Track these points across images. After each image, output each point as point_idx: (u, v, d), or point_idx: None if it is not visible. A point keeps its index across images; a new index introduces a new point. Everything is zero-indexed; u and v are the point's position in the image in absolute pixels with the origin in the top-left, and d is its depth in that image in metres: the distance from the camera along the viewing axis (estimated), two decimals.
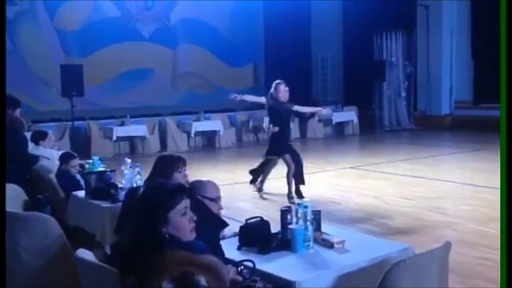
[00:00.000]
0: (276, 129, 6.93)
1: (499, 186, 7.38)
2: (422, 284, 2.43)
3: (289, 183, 7.00)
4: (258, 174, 7.51)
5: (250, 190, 7.71)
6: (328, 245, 2.95)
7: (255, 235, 2.94)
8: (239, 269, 2.34)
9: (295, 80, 17.72)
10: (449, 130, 15.38)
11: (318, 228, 3.13)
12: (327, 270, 2.62)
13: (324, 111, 7.75)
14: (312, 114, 7.29)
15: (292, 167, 6.93)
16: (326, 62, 18.77)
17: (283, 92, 6.94)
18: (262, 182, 7.43)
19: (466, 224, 5.66)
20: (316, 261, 2.76)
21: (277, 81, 7.05)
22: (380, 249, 2.94)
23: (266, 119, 14.98)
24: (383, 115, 16.55)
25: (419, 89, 16.66)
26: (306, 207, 2.98)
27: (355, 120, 15.60)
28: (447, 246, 2.57)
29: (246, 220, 3.08)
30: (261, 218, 3.12)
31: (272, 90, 7.00)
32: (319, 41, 19.04)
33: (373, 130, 16.14)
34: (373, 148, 12.99)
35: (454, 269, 4.00)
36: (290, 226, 2.98)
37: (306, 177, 8.95)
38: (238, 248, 2.94)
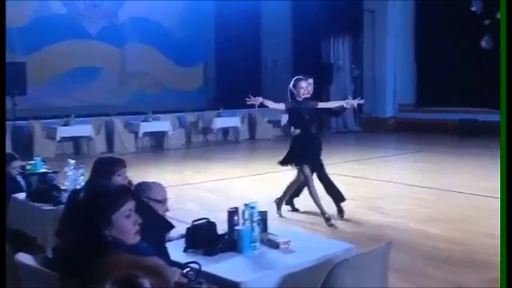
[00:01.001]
0: (297, 131, 5.96)
1: (440, 186, 7.71)
2: (364, 282, 2.50)
3: (316, 202, 5.95)
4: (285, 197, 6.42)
5: (199, 191, 7.69)
6: (274, 245, 2.99)
7: (202, 237, 2.94)
8: (184, 271, 2.34)
9: (245, 81, 17.87)
10: (393, 132, 15.84)
11: (264, 229, 3.16)
12: (272, 271, 2.65)
13: (353, 101, 6.42)
14: (344, 109, 6.21)
15: (311, 182, 5.96)
16: (276, 64, 18.92)
17: (304, 88, 5.96)
18: (281, 199, 6.38)
19: (408, 223, 5.85)
20: (261, 262, 2.79)
21: (297, 76, 6.13)
22: (324, 249, 3.00)
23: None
24: (330, 117, 16.83)
25: (365, 92, 17.05)
26: (252, 208, 3.00)
27: None
28: (388, 245, 2.66)
29: (193, 222, 3.08)
30: (208, 219, 3.12)
31: (291, 87, 6.03)
32: (269, 42, 19.16)
33: (321, 132, 16.37)
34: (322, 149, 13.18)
35: (395, 268, 4.13)
36: (237, 227, 3.00)
37: (255, 178, 9.01)
38: (185, 250, 2.93)
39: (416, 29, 16.25)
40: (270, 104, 6.18)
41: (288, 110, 6.14)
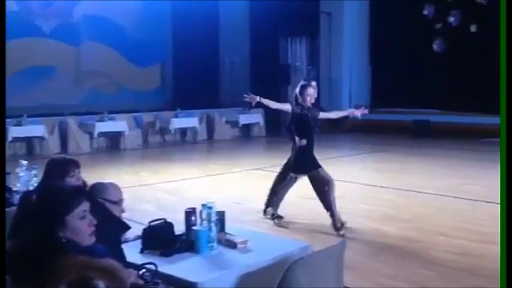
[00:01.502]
0: (304, 142, 5.66)
1: (395, 186, 7.89)
2: (320, 280, 2.55)
3: (330, 207, 5.66)
4: (273, 197, 6.19)
5: (156, 192, 7.61)
6: (232, 245, 3.00)
7: (158, 237, 2.92)
8: (140, 272, 2.32)
9: (203, 82, 17.85)
10: (349, 133, 16.10)
11: (222, 229, 3.17)
12: (229, 271, 2.67)
13: (357, 111, 6.17)
14: (345, 118, 5.90)
15: (333, 182, 5.74)
16: (234, 64, 18.95)
17: (311, 95, 5.68)
18: (276, 205, 6.11)
19: (365, 222, 5.96)
20: (219, 262, 2.80)
21: (303, 82, 5.80)
22: (281, 248, 3.04)
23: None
24: (288, 117, 16.98)
25: (322, 93, 17.23)
26: (210, 208, 3.01)
27: (262, 122, 15.89)
28: (343, 243, 2.71)
29: (149, 222, 3.05)
30: (165, 220, 3.10)
31: (297, 93, 5.73)
32: (227, 43, 19.17)
33: (279, 132, 16.52)
34: (279, 150, 13.25)
35: (352, 266, 4.21)
36: (194, 227, 3.00)
37: (213, 178, 9.00)
38: (141, 251, 2.91)
39: (371, 32, 16.60)
40: (273, 104, 5.96)
41: (293, 117, 5.77)
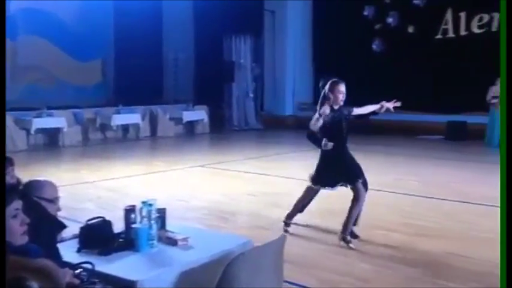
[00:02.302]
0: (331, 145, 4.95)
1: None
2: (260, 275, 2.57)
3: (349, 219, 5.13)
4: (299, 208, 5.62)
5: (97, 190, 7.46)
6: (172, 242, 2.98)
7: (96, 236, 2.86)
8: (77, 271, 2.27)
9: (147, 78, 17.58)
10: (293, 130, 16.30)
11: (162, 226, 3.14)
12: (169, 268, 2.65)
13: (389, 104, 5.39)
14: (373, 113, 5.32)
15: (363, 196, 5.18)
16: (178, 61, 18.79)
17: (344, 93, 5.03)
18: (291, 215, 5.57)
19: (305, 218, 6.04)
20: (159, 260, 2.77)
21: (334, 79, 5.10)
22: (222, 244, 3.04)
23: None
24: (232, 115, 17.02)
25: (266, 90, 17.44)
26: (150, 205, 2.97)
27: (206, 119, 15.82)
28: (282, 238, 2.74)
29: (87, 221, 2.98)
30: (103, 218, 3.04)
31: (327, 91, 5.03)
32: (170, 40, 18.97)
33: (223, 129, 16.54)
34: (223, 147, 13.31)
35: (292, 260, 4.27)
36: (133, 225, 2.96)
37: (155, 176, 8.89)
38: (78, 250, 2.84)
39: (313, 31, 16.85)
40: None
41: (324, 121, 4.99)
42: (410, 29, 14.52)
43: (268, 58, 17.28)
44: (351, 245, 4.96)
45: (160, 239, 2.99)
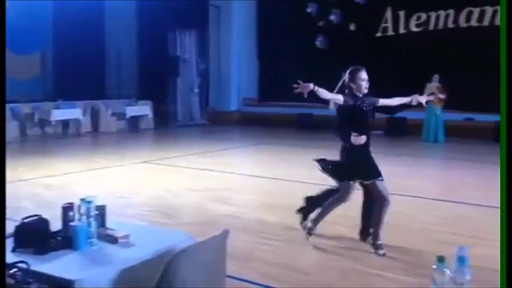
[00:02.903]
0: (364, 139, 4.61)
1: (280, 177, 8.15)
2: (202, 270, 2.57)
3: (375, 225, 4.72)
4: (314, 207, 5.15)
5: (35, 188, 7.22)
6: (112, 240, 2.93)
7: (32, 235, 2.77)
8: (11, 271, 2.20)
9: (88, 72, 17.14)
10: (238, 125, 16.35)
11: (102, 224, 3.08)
12: (109, 266, 2.60)
13: (422, 97, 4.96)
14: (403, 106, 4.89)
15: (388, 201, 4.68)
16: (120, 55, 18.42)
17: (366, 80, 4.64)
18: (316, 220, 4.98)
19: (248, 212, 6.11)
20: (98, 258, 2.72)
21: (355, 67, 4.73)
22: (164, 240, 3.01)
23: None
24: (177, 110, 16.87)
25: (211, 85, 17.38)
26: (89, 202, 2.91)
27: (150, 114, 15.62)
28: (225, 233, 2.75)
29: (22, 219, 2.89)
30: (40, 216, 2.95)
31: (346, 80, 4.68)
32: (113, 33, 18.57)
33: (168, 124, 16.37)
34: (167, 142, 13.18)
35: (235, 254, 4.30)
36: (71, 223, 2.89)
37: (95, 173, 8.70)
38: (13, 250, 2.74)
39: (258, 27, 16.93)
40: (325, 94, 4.61)
41: (342, 109, 4.67)
42: (352, 27, 14.85)
43: (213, 53, 17.22)
44: (380, 251, 4.58)
45: (99, 237, 2.92)
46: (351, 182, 4.72)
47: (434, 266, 1.88)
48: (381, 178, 4.66)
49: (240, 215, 5.94)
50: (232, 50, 17.07)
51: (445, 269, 1.85)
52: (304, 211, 5.18)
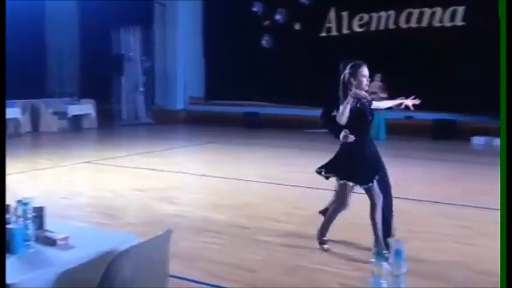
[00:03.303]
0: (352, 137, 4.39)
1: (227, 175, 8.15)
2: (145, 270, 2.54)
3: (375, 228, 4.45)
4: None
5: None
6: (51, 242, 2.84)
7: None
8: None
9: (27, 69, 16.54)
10: (184, 124, 16.24)
11: (40, 226, 2.98)
12: (46, 269, 2.52)
13: (408, 101, 4.79)
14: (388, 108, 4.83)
15: (380, 201, 4.45)
16: (62, 53, 17.90)
17: (367, 78, 4.48)
18: (322, 231, 4.77)
19: (195, 211, 6.07)
20: (35, 261, 2.63)
21: (356, 62, 4.54)
22: (105, 241, 2.95)
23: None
24: (121, 109, 16.57)
25: (157, 84, 17.17)
26: (26, 204, 2.81)
27: (93, 113, 15.26)
28: (168, 233, 2.72)
29: None
30: None
31: (347, 77, 4.46)
32: (54, 30, 18.03)
33: (112, 124, 16.05)
34: (111, 142, 12.92)
35: (180, 254, 4.28)
36: (7, 226, 2.78)
37: (36, 174, 8.42)
38: None
39: (204, 25, 16.86)
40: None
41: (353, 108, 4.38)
42: (297, 26, 15.02)
43: (158, 51, 17.01)
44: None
45: (37, 240, 2.83)
46: (348, 183, 4.49)
47: (372, 260, 1.93)
48: (371, 184, 4.40)
49: (186, 214, 5.90)
50: (178, 48, 16.92)
51: (382, 262, 1.91)
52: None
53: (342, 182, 4.53)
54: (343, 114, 4.27)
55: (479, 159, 10.20)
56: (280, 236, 5.11)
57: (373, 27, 14.14)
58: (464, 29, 12.74)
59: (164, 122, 16.23)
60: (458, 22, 12.82)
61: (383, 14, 13.95)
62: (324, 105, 4.77)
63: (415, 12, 13.47)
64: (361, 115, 4.39)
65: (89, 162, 9.46)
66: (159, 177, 8.20)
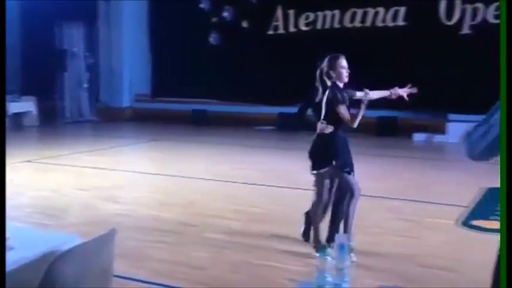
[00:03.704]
0: (330, 128, 4.34)
1: (174, 173, 8.06)
2: (88, 271, 2.48)
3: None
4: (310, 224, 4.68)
5: None
6: None
7: None
8: None
9: None
10: (130, 122, 15.96)
11: None
12: None
13: (401, 91, 4.69)
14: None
15: (357, 192, 4.36)
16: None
17: (346, 69, 4.38)
18: (315, 236, 4.52)
19: (141, 210, 5.98)
20: None
21: (334, 54, 4.44)
22: (46, 242, 2.86)
23: None
24: (65, 106, 16.12)
25: (102, 80, 16.78)
26: None
27: (34, 110, 14.76)
28: (112, 232, 2.67)
29: None
30: None
31: (325, 68, 4.37)
32: None
33: (54, 121, 15.57)
34: (54, 140, 12.54)
35: (126, 254, 4.21)
36: None
37: None
38: None
39: (150, 21, 16.60)
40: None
41: (330, 99, 4.32)
42: (245, 24, 15.05)
43: (103, 47, 16.62)
44: (353, 257, 3.84)
45: None
46: (321, 171, 4.38)
47: (317, 254, 1.97)
48: (351, 172, 4.37)
49: (132, 213, 5.81)
50: (124, 43, 16.59)
51: (327, 257, 1.94)
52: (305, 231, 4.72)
53: (317, 172, 4.40)
54: (357, 119, 4.36)
55: (419, 155, 10.56)
56: (227, 233, 5.11)
57: (319, 26, 14.34)
58: (405, 28, 13.12)
59: (109, 119, 15.89)
60: (400, 22, 13.20)
61: (328, 13, 14.17)
62: (303, 100, 4.69)
63: (359, 12, 13.76)
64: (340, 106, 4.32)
65: (29, 161, 9.15)
66: (104, 176, 8.03)
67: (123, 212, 5.82)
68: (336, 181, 4.49)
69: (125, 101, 16.78)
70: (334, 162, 4.33)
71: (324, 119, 4.35)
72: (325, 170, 4.37)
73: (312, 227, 4.57)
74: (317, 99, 4.39)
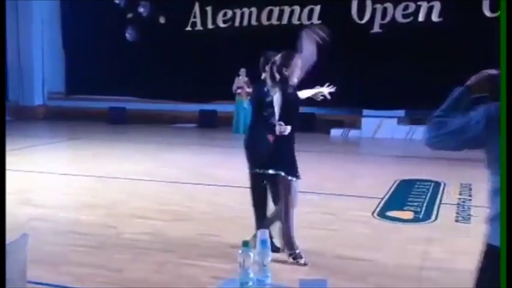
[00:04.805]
0: (289, 129, 4.14)
1: (93, 173, 7.80)
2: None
3: (286, 221, 4.26)
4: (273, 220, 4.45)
5: None
6: None
7: None
8: None
9: None
10: (44, 120, 15.29)
11: None
12: None
13: (323, 89, 4.54)
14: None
15: (295, 193, 4.27)
16: None
17: (299, 68, 4.17)
18: (286, 237, 4.34)
19: (59, 213, 5.75)
20: None
21: (289, 50, 4.23)
22: None
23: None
24: None
25: (10, 79, 15.94)
26: None
27: None
28: (24, 237, 2.58)
29: None
30: None
31: (277, 63, 4.15)
32: None
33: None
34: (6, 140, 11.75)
35: (43, 259, 4.05)
36: None
37: None
38: None
39: (63, 17, 15.99)
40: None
41: (263, 97, 4.25)
42: (162, 20, 14.85)
43: (11, 45, 15.74)
44: (302, 260, 4.17)
45: None
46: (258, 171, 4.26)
47: (240, 251, 2.00)
48: (298, 179, 4.25)
49: (50, 217, 5.57)
50: (34, 40, 15.85)
51: (249, 252, 1.98)
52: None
53: (285, 176, 4.20)
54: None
55: (335, 149, 10.92)
56: (148, 233, 5.04)
57: (237, 23, 14.43)
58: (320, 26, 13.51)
59: (21, 118, 15.13)
60: (315, 20, 13.57)
61: (246, 10, 14.29)
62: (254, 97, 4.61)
63: (276, 9, 13.99)
64: (293, 107, 4.22)
65: None
66: (17, 178, 7.62)
67: (40, 216, 5.56)
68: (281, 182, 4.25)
69: (37, 99, 16.05)
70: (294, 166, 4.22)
71: (279, 120, 4.13)
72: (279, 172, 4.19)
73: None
74: (268, 98, 4.22)
